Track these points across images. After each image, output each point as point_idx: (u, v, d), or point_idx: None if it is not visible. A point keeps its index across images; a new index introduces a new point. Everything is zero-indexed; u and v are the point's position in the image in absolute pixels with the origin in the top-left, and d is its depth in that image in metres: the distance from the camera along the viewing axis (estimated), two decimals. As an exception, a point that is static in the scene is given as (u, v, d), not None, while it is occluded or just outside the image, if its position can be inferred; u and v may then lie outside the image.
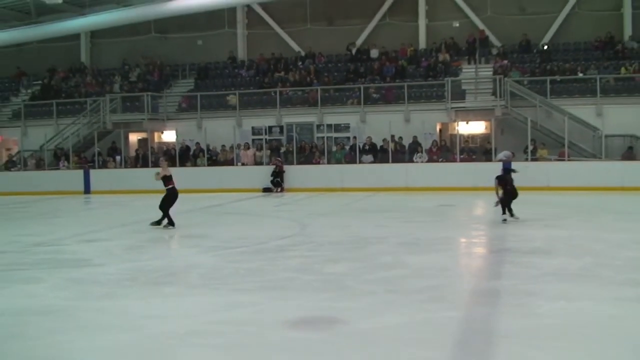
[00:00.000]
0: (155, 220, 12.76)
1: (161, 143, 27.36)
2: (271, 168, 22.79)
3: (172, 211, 12.75)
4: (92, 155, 25.36)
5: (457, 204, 17.33)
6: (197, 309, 6.45)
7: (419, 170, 21.69)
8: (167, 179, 12.73)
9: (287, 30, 30.02)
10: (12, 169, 26.39)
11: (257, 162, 23.87)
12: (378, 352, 5.07)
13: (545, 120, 22.13)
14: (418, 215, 15.11)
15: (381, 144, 22.89)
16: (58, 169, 25.24)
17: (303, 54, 28.94)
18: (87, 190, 24.21)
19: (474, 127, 24.37)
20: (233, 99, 26.23)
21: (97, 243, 11.21)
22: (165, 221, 12.63)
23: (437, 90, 24.50)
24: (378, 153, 22.79)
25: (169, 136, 27.04)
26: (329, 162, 23.11)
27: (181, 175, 15.61)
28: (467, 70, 26.01)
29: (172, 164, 21.92)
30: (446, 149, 22.83)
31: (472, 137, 24.62)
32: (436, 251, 9.77)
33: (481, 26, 27.56)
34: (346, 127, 24.77)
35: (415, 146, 22.46)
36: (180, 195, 12.93)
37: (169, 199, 12.71)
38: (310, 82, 26.54)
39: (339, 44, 28.46)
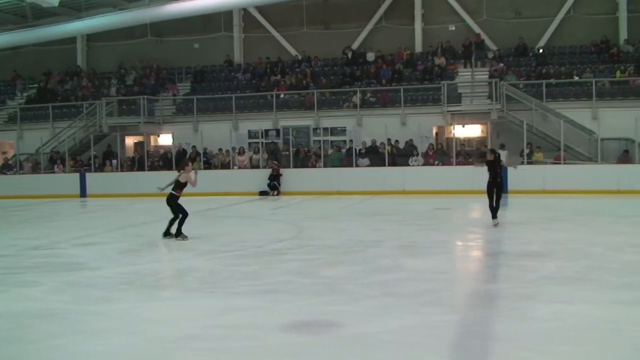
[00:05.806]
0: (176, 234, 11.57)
1: (157, 146, 27.33)
2: (268, 171, 22.80)
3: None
4: (88, 158, 25.32)
5: (454, 207, 17.37)
6: (194, 313, 6.45)
7: (416, 174, 21.72)
8: (178, 185, 11.59)
9: (284, 34, 30.06)
10: (7, 173, 26.32)
11: (254, 166, 23.87)
12: (375, 355, 5.07)
13: (541, 124, 22.20)
14: (415, 218, 15.13)
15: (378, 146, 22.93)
16: (54, 172, 25.18)
17: (299, 57, 28.98)
18: (83, 193, 24.17)
19: (470, 131, 24.48)
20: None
21: (93, 246, 11.19)
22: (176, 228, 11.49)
23: (433, 94, 24.56)
24: (375, 155, 22.78)
25: (165, 139, 27.01)
26: (325, 166, 23.09)
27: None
28: (463, 74, 26.07)
29: (169, 167, 21.93)
30: (442, 152, 22.89)
31: (468, 141, 24.67)
32: (433, 254, 9.79)
33: (477, 30, 27.63)
34: (342, 131, 24.81)
35: (412, 149, 22.50)
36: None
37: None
38: (307, 85, 26.56)
39: (335, 48, 28.50)
